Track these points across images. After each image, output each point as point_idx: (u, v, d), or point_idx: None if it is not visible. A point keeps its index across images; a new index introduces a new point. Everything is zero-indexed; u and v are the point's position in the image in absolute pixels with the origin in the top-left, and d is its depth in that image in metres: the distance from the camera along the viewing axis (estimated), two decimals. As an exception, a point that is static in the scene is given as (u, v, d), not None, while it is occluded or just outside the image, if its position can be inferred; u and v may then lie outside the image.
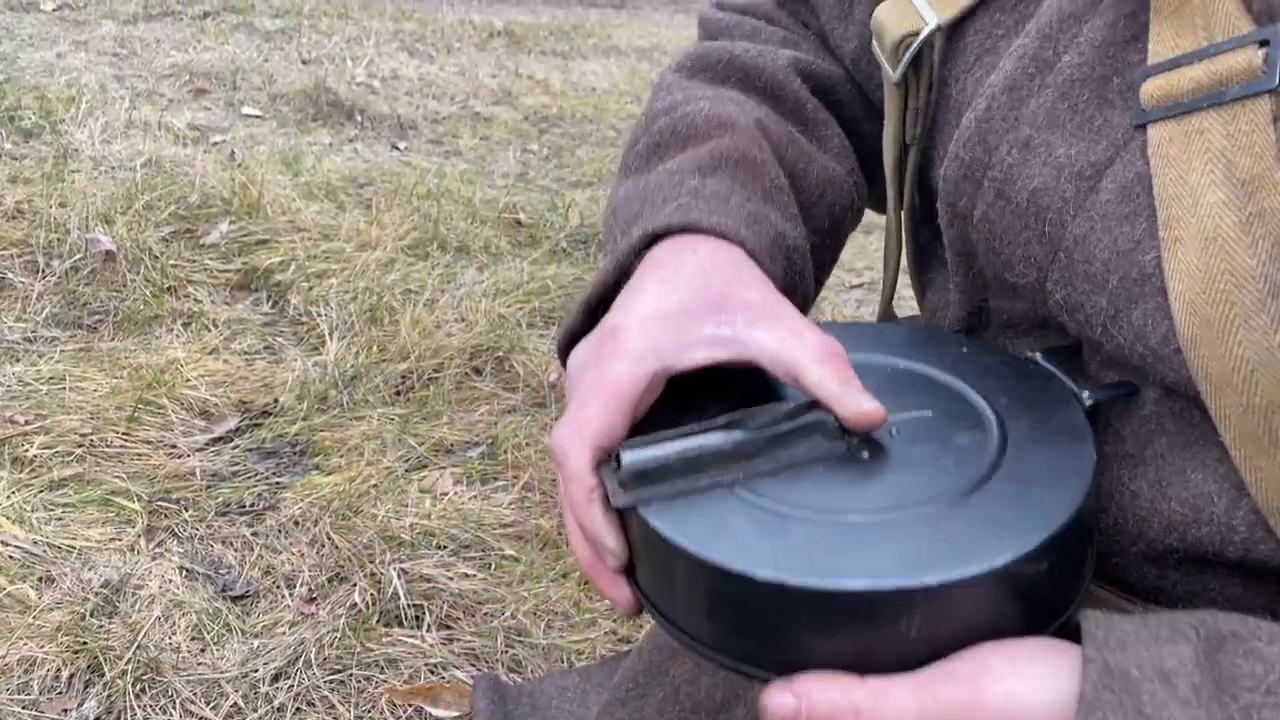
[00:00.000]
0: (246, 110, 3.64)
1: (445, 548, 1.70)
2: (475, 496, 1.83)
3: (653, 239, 0.63)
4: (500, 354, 2.24)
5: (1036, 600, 0.51)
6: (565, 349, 0.66)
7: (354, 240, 2.65)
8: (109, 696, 1.39)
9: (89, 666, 1.42)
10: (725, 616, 0.51)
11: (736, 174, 0.68)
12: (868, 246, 2.98)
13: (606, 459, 0.55)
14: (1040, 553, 0.48)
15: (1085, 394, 0.58)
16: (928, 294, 0.77)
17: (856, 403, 0.54)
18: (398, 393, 2.13)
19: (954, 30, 0.66)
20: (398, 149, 3.56)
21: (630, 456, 0.53)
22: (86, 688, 1.40)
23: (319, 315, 2.32)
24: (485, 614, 1.58)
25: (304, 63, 4.27)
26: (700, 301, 0.58)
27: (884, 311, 0.86)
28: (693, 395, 0.58)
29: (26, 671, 1.40)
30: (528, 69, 4.75)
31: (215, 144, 3.24)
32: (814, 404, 0.55)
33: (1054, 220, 0.56)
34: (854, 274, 2.96)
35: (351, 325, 2.30)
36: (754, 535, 0.50)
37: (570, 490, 0.55)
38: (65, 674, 1.41)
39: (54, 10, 4.47)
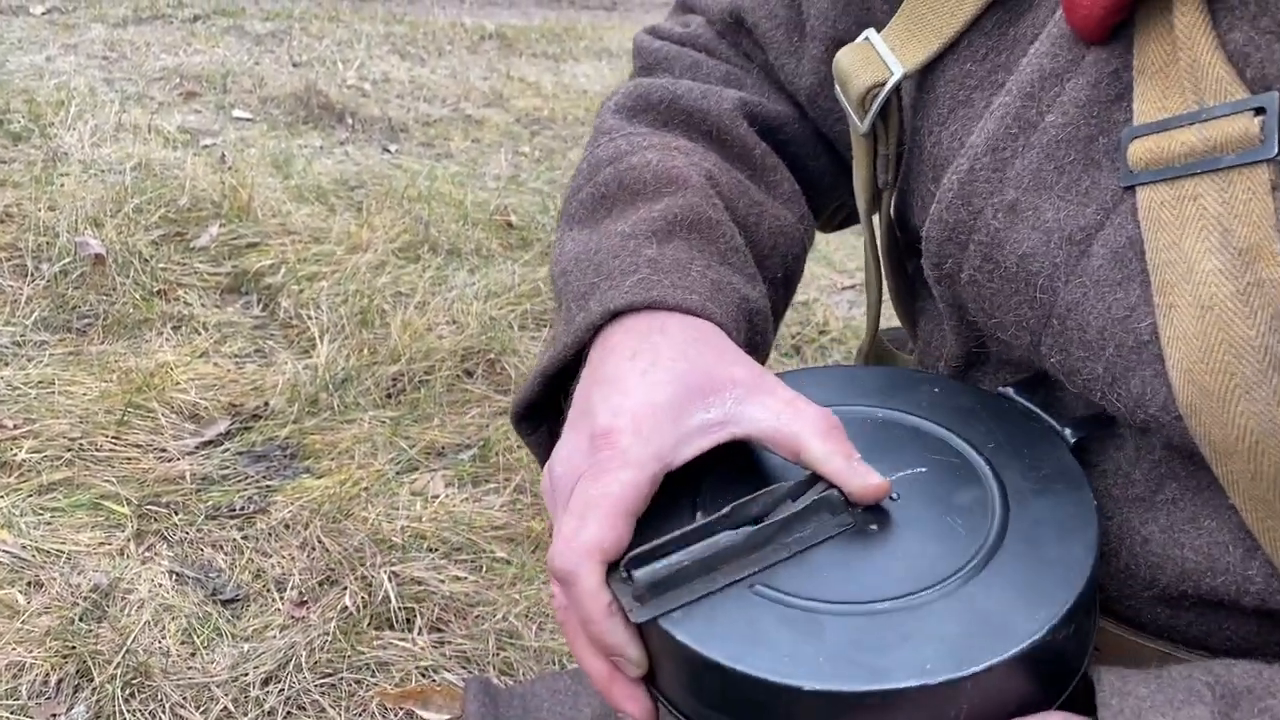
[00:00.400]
0: (237, 113, 3.63)
1: (436, 550, 1.69)
2: (466, 499, 1.83)
3: (613, 315, 0.60)
4: (492, 356, 2.24)
5: (1065, 659, 0.51)
6: (521, 418, 0.65)
7: (345, 243, 2.65)
8: (98, 701, 1.38)
9: (78, 671, 1.41)
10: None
11: (693, 239, 0.66)
12: (860, 247, 2.98)
13: (614, 569, 0.53)
14: (1069, 617, 0.49)
15: (1067, 431, 0.57)
16: (920, 324, 0.76)
17: (863, 479, 0.53)
18: (389, 395, 2.12)
19: (923, 79, 0.65)
20: (389, 151, 3.56)
21: (643, 571, 0.51)
22: (75, 692, 1.40)
23: (310, 318, 2.32)
24: (476, 616, 1.58)
25: (295, 65, 4.26)
26: (688, 388, 0.56)
27: (870, 335, 0.85)
28: (677, 475, 0.56)
29: (15, 677, 1.40)
30: (519, 71, 4.75)
31: (205, 147, 3.23)
32: (813, 479, 0.54)
33: (1045, 286, 0.55)
34: (846, 275, 2.97)
35: (342, 328, 2.29)
36: (791, 640, 0.49)
37: (585, 608, 0.53)
38: (54, 679, 1.40)
39: (43, 13, 4.46)
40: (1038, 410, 0.59)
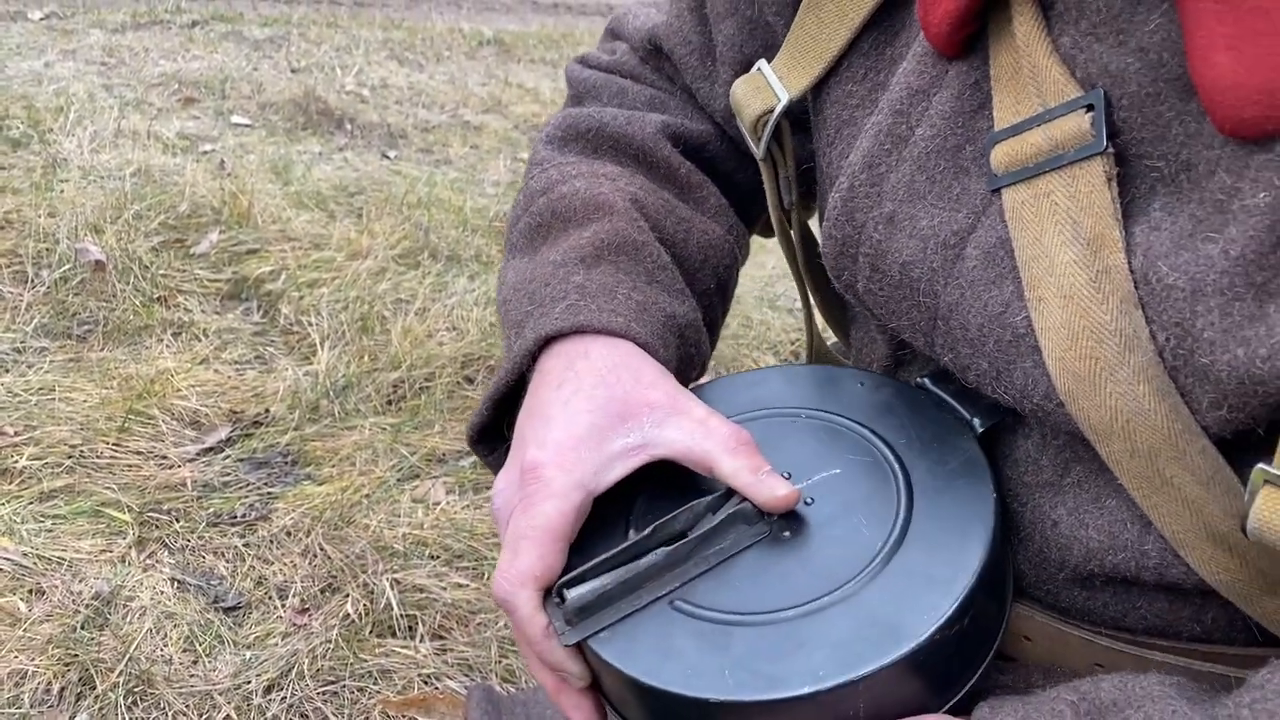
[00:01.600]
0: (236, 119, 3.63)
1: (438, 557, 1.69)
2: (468, 506, 1.83)
3: (546, 341, 0.65)
4: (492, 363, 2.24)
5: (960, 656, 0.54)
6: (476, 440, 0.70)
7: (345, 249, 2.65)
8: (100, 709, 1.38)
9: (80, 679, 1.41)
10: None
11: (619, 261, 0.69)
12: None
13: (548, 593, 0.57)
14: (957, 616, 0.52)
15: (976, 421, 0.60)
16: (851, 331, 0.79)
17: (770, 491, 0.57)
18: (389, 402, 2.12)
19: (814, 102, 0.68)
20: (388, 158, 3.56)
21: (573, 594, 0.56)
22: (78, 700, 1.39)
23: (310, 324, 2.32)
24: (478, 624, 1.58)
25: (293, 71, 4.26)
26: (607, 415, 0.60)
27: (808, 348, 0.87)
28: (611, 495, 0.61)
29: (17, 685, 1.39)
30: (517, 77, 4.76)
31: (205, 153, 3.23)
32: (730, 492, 0.59)
33: (926, 290, 0.58)
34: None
35: (343, 334, 2.29)
36: (699, 652, 0.53)
37: (525, 631, 0.58)
38: (56, 687, 1.40)
39: (41, 19, 4.46)
40: (951, 400, 0.62)
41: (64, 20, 4.51)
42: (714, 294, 0.79)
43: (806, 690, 0.50)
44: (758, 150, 0.70)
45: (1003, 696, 0.52)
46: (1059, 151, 0.51)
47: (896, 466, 0.59)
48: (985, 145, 0.55)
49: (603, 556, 0.57)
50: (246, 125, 3.61)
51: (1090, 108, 0.50)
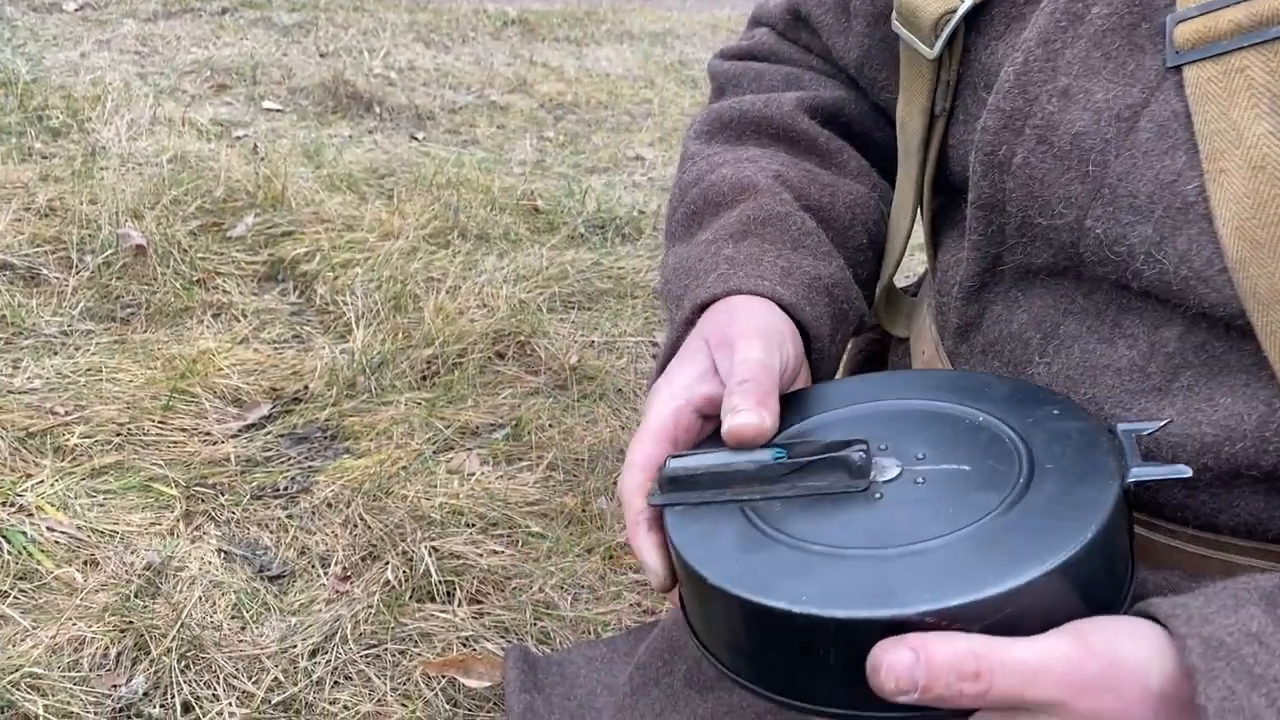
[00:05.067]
0: (267, 104, 3.68)
1: (474, 526, 1.74)
2: (501, 476, 1.88)
3: (702, 308, 0.72)
4: (522, 338, 2.28)
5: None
6: None
7: (377, 230, 2.70)
8: (155, 672, 1.44)
9: (135, 644, 1.46)
10: (704, 614, 0.57)
11: (765, 233, 0.76)
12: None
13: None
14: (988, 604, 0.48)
15: (1133, 470, 0.55)
16: (940, 256, 0.82)
17: (730, 419, 0.61)
18: (423, 378, 2.17)
19: (979, 5, 0.71)
20: (416, 139, 3.60)
21: (670, 465, 0.60)
22: (134, 664, 1.45)
23: (345, 304, 2.37)
24: (514, 588, 1.63)
25: (322, 56, 4.31)
26: (706, 344, 0.69)
27: (888, 279, 0.90)
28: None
29: (76, 650, 1.45)
30: (542, 56, 4.78)
31: (238, 138, 3.29)
32: (850, 442, 0.58)
33: (1097, 160, 0.61)
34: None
35: (377, 313, 2.34)
36: (731, 548, 0.55)
37: (625, 517, 0.63)
38: (113, 652, 1.46)
39: (76, 10, 4.53)
40: (1126, 448, 0.57)
41: (98, 11, 4.58)
42: (867, 248, 0.84)
43: (780, 605, 0.50)
44: (933, 51, 0.72)
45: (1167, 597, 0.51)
46: (1262, 28, 0.54)
47: (1022, 482, 0.56)
48: (1165, 23, 0.58)
49: (711, 449, 0.61)
50: (278, 110, 3.66)
51: None
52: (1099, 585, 0.52)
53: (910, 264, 2.48)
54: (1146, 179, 0.58)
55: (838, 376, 0.83)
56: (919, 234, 0.88)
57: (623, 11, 5.83)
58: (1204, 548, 0.62)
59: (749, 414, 0.61)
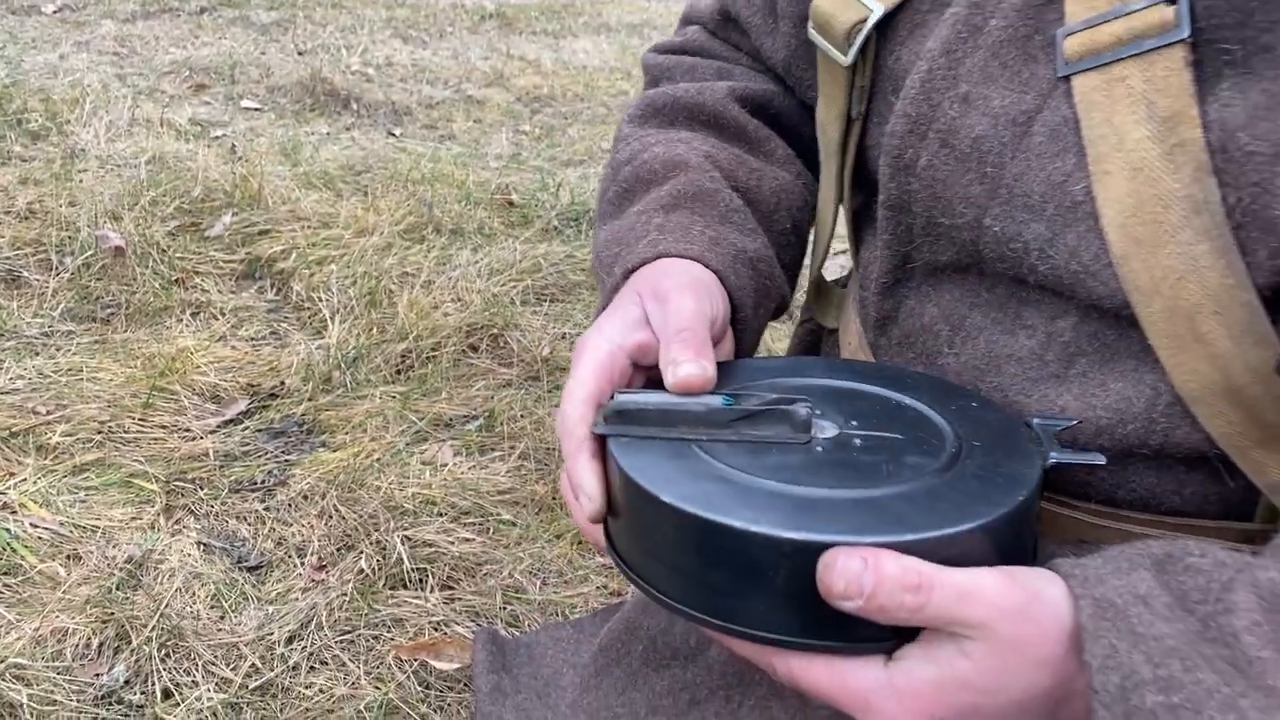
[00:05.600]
0: (245, 103, 3.71)
1: (446, 515, 1.78)
2: (474, 466, 1.92)
3: (632, 272, 0.73)
4: (495, 331, 2.32)
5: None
6: None
7: (352, 227, 2.73)
8: (136, 661, 1.47)
9: (117, 635, 1.50)
10: (648, 537, 0.57)
11: (695, 206, 0.78)
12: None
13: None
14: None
15: (1052, 454, 0.59)
16: (861, 252, 0.86)
17: (676, 365, 0.62)
18: (398, 371, 2.21)
19: (887, 14, 0.75)
20: (393, 135, 3.63)
21: (618, 399, 0.62)
22: (115, 654, 1.48)
23: (320, 300, 2.41)
24: (484, 574, 1.67)
25: (300, 54, 4.33)
26: (638, 295, 0.69)
27: (816, 271, 0.95)
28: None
29: (59, 641, 1.48)
30: (519, 50, 4.81)
31: (216, 138, 3.31)
32: (795, 398, 0.61)
33: (994, 162, 0.65)
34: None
35: (352, 309, 2.38)
36: (681, 476, 0.56)
37: (564, 447, 0.63)
38: (95, 642, 1.49)
39: (54, 12, 4.54)
40: (1043, 437, 0.62)
41: (76, 12, 4.59)
42: (790, 234, 0.87)
43: (735, 524, 0.51)
44: (847, 58, 0.75)
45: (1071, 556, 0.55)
46: (1138, 39, 0.58)
47: (954, 453, 0.59)
48: (1055, 35, 0.62)
49: (660, 392, 0.62)
50: (256, 109, 3.69)
51: (1172, 1, 0.56)
52: (1014, 552, 0.56)
53: (845, 259, 2.51)
54: (1039, 180, 0.62)
55: None
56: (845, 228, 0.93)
57: (600, 4, 5.85)
58: (1104, 519, 0.67)
59: (691, 365, 0.62)
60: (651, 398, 0.62)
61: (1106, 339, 0.64)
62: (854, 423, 0.62)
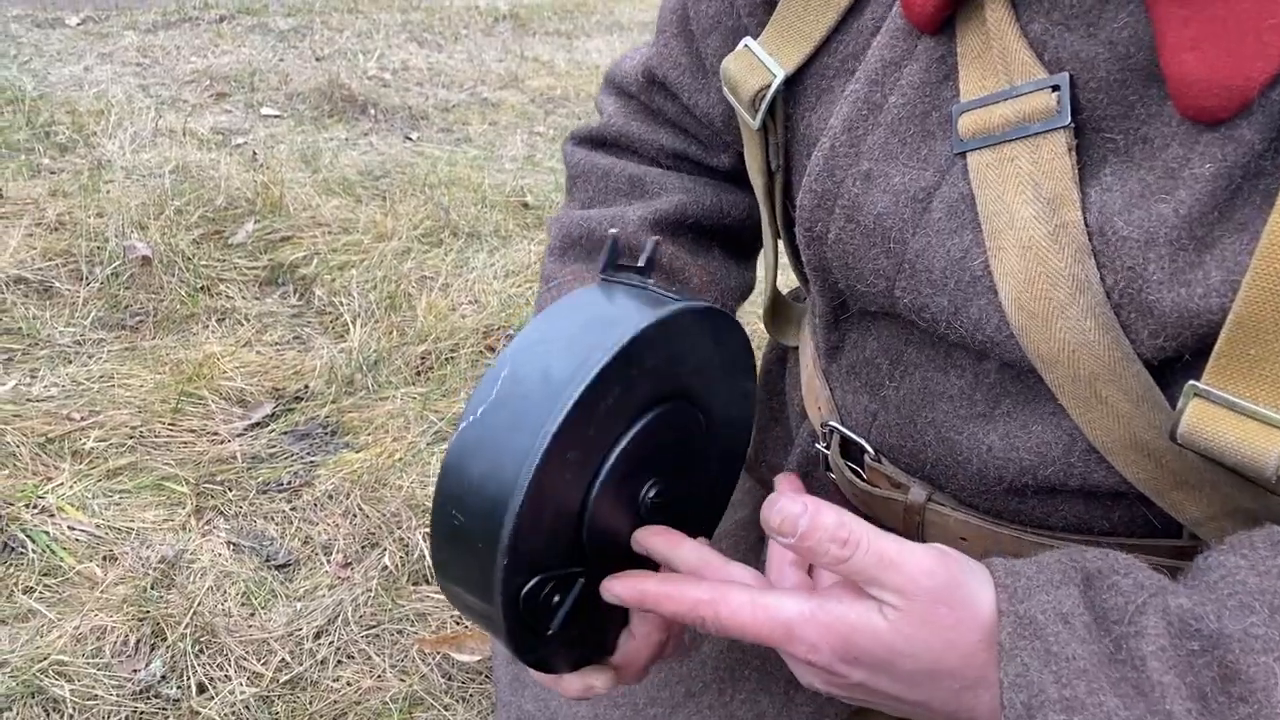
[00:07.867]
0: (265, 111, 3.75)
1: (465, 512, 1.82)
2: (492, 465, 1.96)
3: None
4: (511, 332, 2.34)
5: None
6: None
7: (371, 232, 2.76)
8: (172, 657, 1.51)
9: (153, 632, 1.54)
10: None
11: None
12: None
13: None
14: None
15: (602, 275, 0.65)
16: (810, 284, 0.88)
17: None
18: (418, 373, 2.23)
19: (793, 76, 0.75)
20: (410, 139, 3.67)
21: None
22: (152, 650, 1.52)
23: (342, 305, 2.43)
24: (503, 569, 1.71)
25: (317, 60, 4.38)
26: None
27: (768, 303, 0.96)
28: None
29: (98, 639, 1.52)
30: (533, 51, 4.84)
31: (237, 146, 3.35)
32: None
33: (896, 238, 0.66)
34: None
35: (372, 312, 2.40)
36: None
37: None
38: (132, 639, 1.52)
39: (78, 24, 4.61)
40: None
41: (99, 24, 4.65)
42: (737, 297, 0.89)
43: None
44: (754, 121, 0.76)
45: (1010, 559, 0.56)
46: (1026, 123, 0.58)
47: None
48: (951, 112, 0.62)
49: None
50: (275, 116, 3.73)
51: (1055, 88, 0.57)
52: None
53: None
54: (940, 255, 0.63)
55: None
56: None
57: (612, 2, 5.87)
58: (1043, 537, 0.69)
59: None
60: None
61: (1029, 382, 0.64)
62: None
